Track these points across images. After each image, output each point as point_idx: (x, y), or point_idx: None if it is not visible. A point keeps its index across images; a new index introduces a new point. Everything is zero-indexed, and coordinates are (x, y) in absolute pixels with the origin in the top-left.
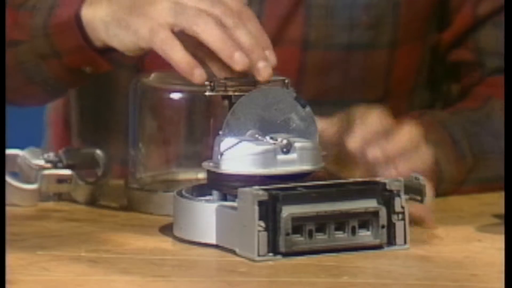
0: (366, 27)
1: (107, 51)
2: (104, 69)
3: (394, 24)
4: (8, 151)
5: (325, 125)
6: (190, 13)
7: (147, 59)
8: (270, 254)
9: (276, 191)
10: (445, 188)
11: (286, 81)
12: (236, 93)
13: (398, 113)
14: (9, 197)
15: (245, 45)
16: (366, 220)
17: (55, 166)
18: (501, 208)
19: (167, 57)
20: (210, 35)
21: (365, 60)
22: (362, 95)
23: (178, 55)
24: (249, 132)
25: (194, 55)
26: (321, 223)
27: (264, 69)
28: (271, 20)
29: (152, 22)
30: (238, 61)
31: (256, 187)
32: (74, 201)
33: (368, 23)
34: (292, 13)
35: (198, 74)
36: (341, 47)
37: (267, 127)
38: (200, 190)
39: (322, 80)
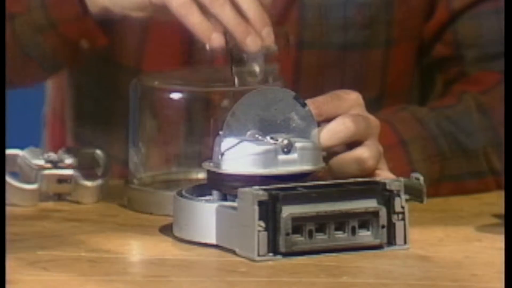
0: (360, 27)
1: (104, 22)
2: (101, 43)
3: (389, 23)
4: (8, 151)
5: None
6: None
7: (146, 60)
8: (270, 254)
9: (276, 191)
10: None
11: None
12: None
13: None
14: (9, 197)
15: (253, 21)
16: (366, 220)
17: (55, 166)
18: (501, 208)
19: (183, 21)
20: (225, 16)
21: (360, 59)
22: None
23: (195, 19)
24: (249, 132)
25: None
26: (321, 223)
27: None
28: None
29: None
30: (250, 45)
31: (256, 187)
32: (74, 201)
33: (362, 23)
34: (286, 13)
35: (215, 38)
36: (336, 47)
37: (267, 127)
38: (200, 190)
39: (318, 79)
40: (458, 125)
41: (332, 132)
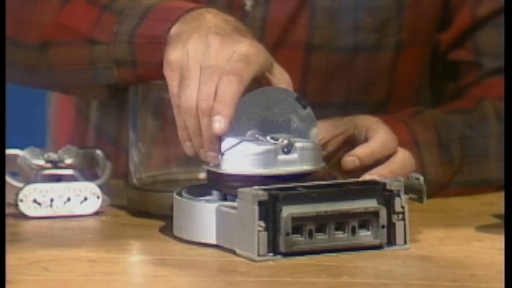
0: (371, 30)
1: None
2: None
3: (400, 27)
4: (8, 151)
5: (326, 128)
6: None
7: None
8: (270, 254)
9: (276, 191)
10: (428, 190)
11: None
12: None
13: None
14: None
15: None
16: (366, 220)
17: (55, 166)
18: (501, 208)
19: (176, 118)
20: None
21: (369, 62)
22: (365, 98)
23: (181, 122)
24: (249, 132)
25: None
26: (321, 223)
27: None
28: (276, 23)
29: None
30: (187, 150)
31: (256, 187)
32: None
33: (373, 26)
34: (296, 16)
35: (186, 145)
36: (345, 50)
37: (267, 127)
38: (200, 190)
39: (326, 82)
40: (475, 130)
41: (376, 176)
